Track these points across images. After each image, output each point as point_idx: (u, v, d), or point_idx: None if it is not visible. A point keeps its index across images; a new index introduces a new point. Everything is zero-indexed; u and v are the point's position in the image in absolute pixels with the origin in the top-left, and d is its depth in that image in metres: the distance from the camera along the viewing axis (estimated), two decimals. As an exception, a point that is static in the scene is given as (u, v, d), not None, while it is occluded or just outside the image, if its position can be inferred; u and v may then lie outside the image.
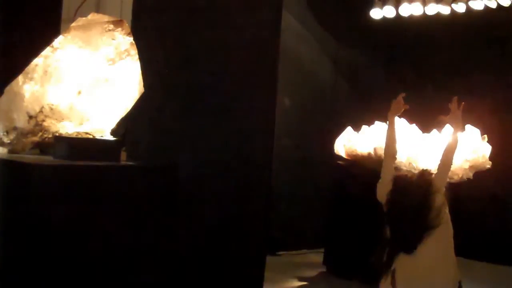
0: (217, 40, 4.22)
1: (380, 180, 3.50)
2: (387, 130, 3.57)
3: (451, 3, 7.10)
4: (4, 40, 4.42)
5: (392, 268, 3.35)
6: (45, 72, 3.48)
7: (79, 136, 3.57)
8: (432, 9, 7.19)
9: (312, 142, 7.11)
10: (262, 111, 4.48)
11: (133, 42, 3.70)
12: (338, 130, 6.29)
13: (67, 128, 3.57)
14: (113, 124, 3.74)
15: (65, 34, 3.54)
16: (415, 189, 3.42)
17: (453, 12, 7.13)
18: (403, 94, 3.59)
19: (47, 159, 3.36)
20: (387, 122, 3.59)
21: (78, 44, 3.54)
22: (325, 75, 7.54)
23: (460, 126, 3.50)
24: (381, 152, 5.53)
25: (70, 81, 3.54)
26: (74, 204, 3.08)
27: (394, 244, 3.37)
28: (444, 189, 3.41)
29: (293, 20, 7.02)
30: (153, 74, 3.87)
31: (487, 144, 5.80)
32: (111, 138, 3.67)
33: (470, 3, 7.01)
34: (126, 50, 3.68)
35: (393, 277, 3.34)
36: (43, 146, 3.57)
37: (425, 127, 5.59)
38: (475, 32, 7.19)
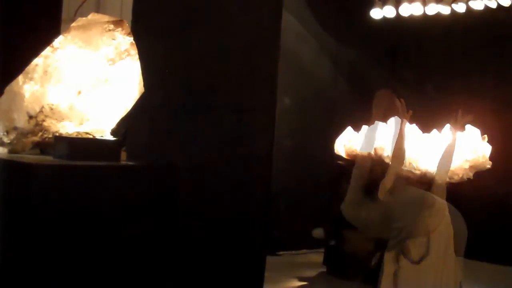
0: (217, 39, 4.22)
1: (384, 179, 3.53)
2: (398, 135, 3.62)
3: (451, 3, 7.10)
4: (4, 40, 4.42)
5: (395, 269, 3.36)
6: (45, 72, 3.48)
7: (79, 136, 3.57)
8: (432, 9, 7.20)
9: (312, 142, 7.11)
10: (262, 111, 4.47)
11: (133, 42, 3.69)
12: (338, 130, 6.28)
13: (67, 128, 3.57)
14: (113, 124, 3.73)
15: (65, 34, 3.53)
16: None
17: (453, 12, 7.13)
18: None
19: (47, 159, 3.36)
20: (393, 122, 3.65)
21: (78, 44, 3.54)
22: (325, 75, 7.54)
23: (460, 129, 3.56)
24: (381, 152, 5.54)
25: (70, 81, 3.54)
26: (74, 204, 3.07)
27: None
28: (445, 191, 3.45)
29: (293, 20, 7.02)
30: (153, 74, 3.87)
31: (487, 144, 5.80)
32: (111, 138, 3.66)
33: (470, 3, 7.01)
34: (126, 50, 3.68)
35: (395, 278, 3.35)
36: (43, 146, 3.57)
37: (425, 127, 5.59)
38: (475, 32, 7.19)
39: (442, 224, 3.35)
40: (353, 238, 3.61)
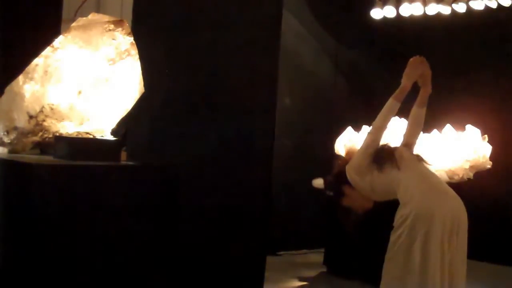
0: (217, 39, 4.23)
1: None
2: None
3: (452, 3, 7.10)
4: (4, 40, 4.42)
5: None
6: (46, 72, 3.48)
7: (79, 136, 3.57)
8: (433, 9, 7.20)
9: (312, 142, 7.11)
10: (262, 111, 4.48)
11: (134, 42, 3.70)
12: (338, 130, 6.29)
13: (68, 128, 3.57)
14: (113, 124, 3.73)
15: (66, 34, 3.53)
16: None
17: (453, 12, 7.13)
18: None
19: (47, 159, 3.36)
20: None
21: (79, 44, 3.54)
22: (325, 75, 7.54)
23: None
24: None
25: (71, 81, 3.54)
26: (74, 204, 3.07)
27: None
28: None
29: (293, 20, 7.02)
30: (153, 74, 3.87)
31: (488, 144, 5.81)
32: (111, 138, 3.66)
33: (471, 3, 7.02)
34: (126, 50, 3.68)
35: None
36: (43, 146, 3.57)
37: (425, 127, 5.59)
38: (475, 32, 7.19)
39: (448, 211, 3.28)
40: (353, 194, 3.58)
